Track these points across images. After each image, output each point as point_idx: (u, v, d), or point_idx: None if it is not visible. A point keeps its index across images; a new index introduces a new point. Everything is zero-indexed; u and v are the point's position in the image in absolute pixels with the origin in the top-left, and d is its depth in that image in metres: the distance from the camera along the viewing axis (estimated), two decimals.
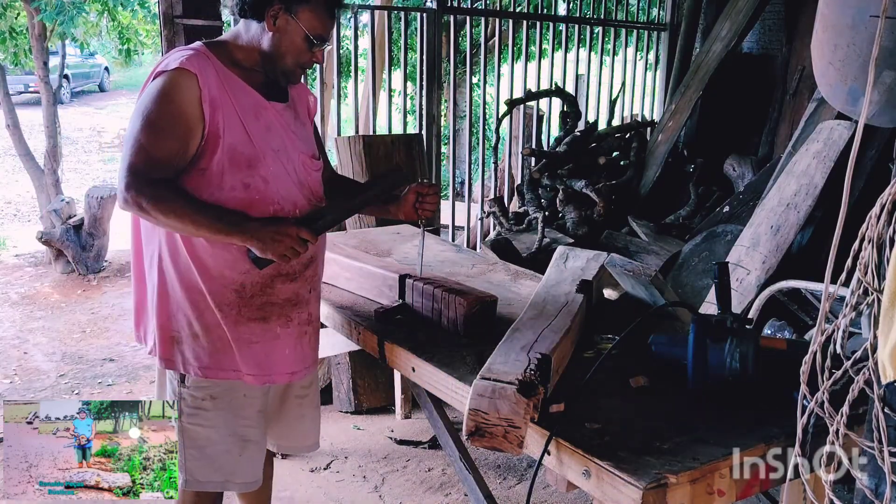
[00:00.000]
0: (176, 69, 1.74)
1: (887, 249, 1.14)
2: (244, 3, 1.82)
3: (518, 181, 5.45)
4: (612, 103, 6.05)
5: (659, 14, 6.30)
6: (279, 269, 1.87)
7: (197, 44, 1.86)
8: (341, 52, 4.38)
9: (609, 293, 2.66)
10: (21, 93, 13.34)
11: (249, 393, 1.95)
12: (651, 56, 6.43)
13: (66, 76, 14.11)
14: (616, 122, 6.05)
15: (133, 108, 1.78)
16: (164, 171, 1.72)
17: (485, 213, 5.17)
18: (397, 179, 2.06)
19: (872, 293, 1.17)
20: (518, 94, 5.20)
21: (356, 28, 5.86)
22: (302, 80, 2.02)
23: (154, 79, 1.77)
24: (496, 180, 5.56)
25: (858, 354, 1.20)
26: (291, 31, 1.82)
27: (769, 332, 2.92)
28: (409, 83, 4.80)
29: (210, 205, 1.76)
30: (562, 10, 5.61)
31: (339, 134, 4.10)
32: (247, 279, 1.84)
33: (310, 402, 2.17)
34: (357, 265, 2.41)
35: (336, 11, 1.88)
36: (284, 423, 2.13)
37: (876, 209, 1.15)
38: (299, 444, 2.24)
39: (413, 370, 1.95)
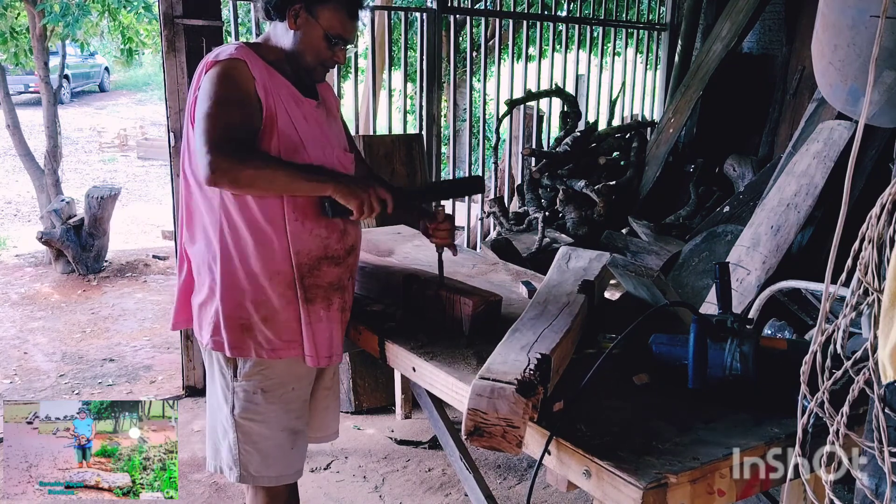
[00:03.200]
0: (228, 58, 1.82)
1: (887, 249, 1.14)
2: (269, 4, 1.88)
3: (518, 181, 5.45)
4: (613, 103, 6.05)
5: (659, 14, 6.30)
6: (326, 252, 1.95)
7: (237, 42, 1.96)
8: None
9: (609, 293, 2.66)
10: (21, 93, 13.37)
11: (298, 385, 2.01)
12: (651, 56, 6.43)
13: (66, 76, 14.13)
14: (616, 122, 6.05)
15: (198, 100, 1.81)
16: (242, 141, 1.77)
17: (485, 213, 5.17)
18: (472, 189, 2.08)
19: (872, 293, 1.17)
20: (518, 94, 5.20)
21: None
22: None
23: (207, 71, 1.82)
24: (496, 180, 5.57)
25: (858, 354, 1.20)
26: (311, 31, 1.88)
27: (769, 332, 2.92)
28: (409, 83, 4.80)
29: (290, 161, 1.82)
30: (562, 10, 5.61)
31: None
32: (298, 260, 1.91)
33: (333, 394, 2.25)
34: (358, 265, 2.41)
35: (358, 12, 1.93)
36: (313, 414, 2.18)
37: (876, 209, 1.15)
38: (324, 433, 2.28)
39: (413, 370, 1.95)
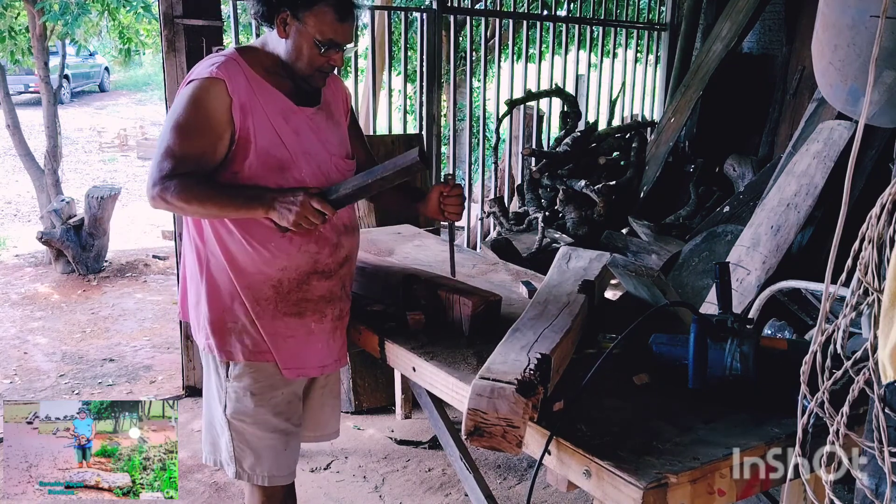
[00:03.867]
0: (206, 77, 1.79)
1: (887, 249, 1.14)
2: (257, 11, 1.85)
3: (518, 181, 5.45)
4: (613, 103, 6.05)
5: (659, 14, 6.30)
6: (316, 267, 1.93)
7: (229, 50, 1.92)
8: None
9: (609, 293, 2.66)
10: (21, 93, 13.36)
11: (286, 389, 2.00)
12: (651, 56, 6.43)
13: (66, 76, 14.11)
14: (616, 122, 6.05)
15: (167, 115, 1.87)
16: (190, 170, 1.78)
17: (485, 213, 5.17)
18: (411, 168, 1.92)
19: (872, 293, 1.17)
20: (518, 94, 5.20)
21: (356, 28, 5.85)
22: (336, 73, 2.02)
23: (186, 85, 1.82)
24: (496, 180, 5.57)
25: (858, 354, 1.20)
26: (301, 37, 1.83)
27: (769, 332, 2.92)
28: (408, 83, 4.80)
29: (230, 185, 1.82)
30: (562, 10, 5.61)
31: None
32: (284, 276, 1.90)
33: (330, 392, 2.23)
34: (358, 265, 2.41)
35: (352, 13, 1.87)
36: (309, 413, 2.17)
37: (876, 209, 1.15)
38: (321, 432, 2.27)
39: (414, 370, 1.95)
